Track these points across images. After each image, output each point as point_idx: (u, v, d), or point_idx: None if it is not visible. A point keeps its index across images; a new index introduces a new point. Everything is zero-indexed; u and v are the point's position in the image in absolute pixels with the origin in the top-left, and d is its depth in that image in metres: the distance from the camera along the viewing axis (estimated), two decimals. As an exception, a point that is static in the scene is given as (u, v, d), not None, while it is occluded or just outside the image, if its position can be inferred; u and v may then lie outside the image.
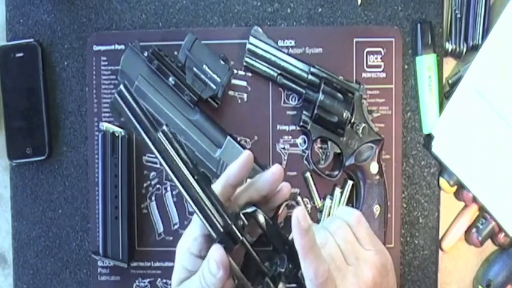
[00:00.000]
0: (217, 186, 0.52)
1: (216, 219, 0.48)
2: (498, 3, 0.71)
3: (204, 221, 0.48)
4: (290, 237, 0.49)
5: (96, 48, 0.72)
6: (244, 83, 0.71)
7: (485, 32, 0.70)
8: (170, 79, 0.67)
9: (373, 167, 0.68)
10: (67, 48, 0.73)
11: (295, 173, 0.71)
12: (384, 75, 0.71)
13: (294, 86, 0.69)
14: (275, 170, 0.52)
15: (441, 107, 0.71)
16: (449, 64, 0.73)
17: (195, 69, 0.66)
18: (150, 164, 0.72)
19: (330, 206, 0.70)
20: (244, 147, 0.68)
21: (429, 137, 0.71)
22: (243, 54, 0.70)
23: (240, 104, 0.71)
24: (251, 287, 0.49)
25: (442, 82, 0.72)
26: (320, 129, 0.68)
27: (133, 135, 0.71)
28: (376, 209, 0.68)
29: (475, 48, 0.71)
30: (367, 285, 0.49)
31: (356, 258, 0.50)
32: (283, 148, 0.71)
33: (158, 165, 0.72)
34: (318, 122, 0.68)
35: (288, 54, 0.69)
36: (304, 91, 0.69)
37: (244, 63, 0.70)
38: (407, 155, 0.72)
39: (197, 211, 0.48)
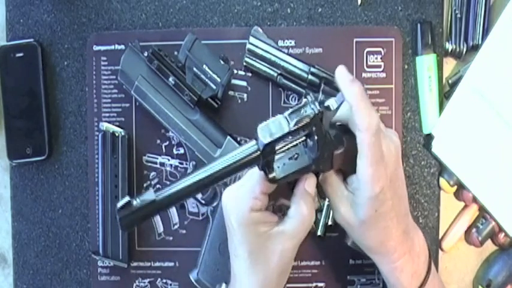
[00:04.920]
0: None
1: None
2: (498, 3, 0.71)
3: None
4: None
5: (96, 48, 0.72)
6: (244, 83, 0.71)
7: (485, 32, 0.70)
8: (170, 79, 0.67)
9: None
10: (67, 48, 0.73)
11: (295, 173, 0.71)
12: (383, 75, 0.71)
13: (294, 86, 0.69)
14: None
15: (441, 107, 0.71)
16: (449, 64, 0.73)
17: (195, 69, 0.66)
18: (150, 164, 0.72)
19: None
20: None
21: (429, 137, 0.71)
22: (243, 54, 0.70)
23: (240, 104, 0.71)
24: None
25: (442, 82, 0.72)
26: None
27: (133, 135, 0.71)
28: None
29: (475, 48, 0.71)
30: (398, 148, 0.54)
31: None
32: (283, 148, 0.71)
33: (158, 165, 0.72)
34: (318, 122, 0.68)
35: (288, 54, 0.69)
36: (304, 91, 0.69)
37: (244, 63, 0.70)
38: (407, 155, 0.72)
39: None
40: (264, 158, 0.48)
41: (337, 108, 0.52)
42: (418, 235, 0.57)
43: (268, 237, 0.52)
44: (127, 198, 0.47)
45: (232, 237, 0.53)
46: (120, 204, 0.47)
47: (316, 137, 0.49)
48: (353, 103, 0.50)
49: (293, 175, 0.52)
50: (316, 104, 0.48)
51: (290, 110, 0.48)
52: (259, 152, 0.48)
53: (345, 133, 0.52)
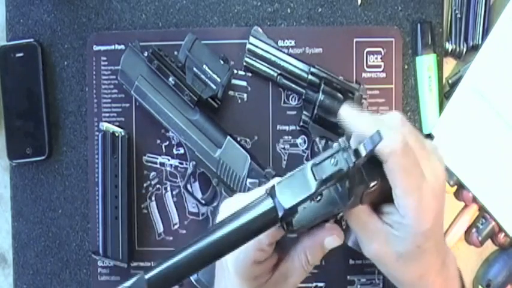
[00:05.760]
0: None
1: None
2: (498, 3, 0.71)
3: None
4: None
5: (96, 48, 0.72)
6: (244, 83, 0.71)
7: (485, 32, 0.70)
8: (170, 79, 0.67)
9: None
10: (67, 48, 0.73)
11: (295, 173, 0.71)
12: (383, 75, 0.71)
13: (294, 86, 0.69)
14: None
15: (441, 107, 0.71)
16: (449, 64, 0.73)
17: (195, 69, 0.66)
18: (150, 164, 0.72)
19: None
20: (244, 147, 0.68)
21: (429, 137, 0.71)
22: (243, 54, 0.70)
23: (240, 104, 0.71)
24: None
25: (442, 82, 0.72)
26: (320, 129, 0.68)
27: (133, 135, 0.71)
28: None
29: (475, 48, 0.71)
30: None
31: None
32: (283, 148, 0.71)
33: (158, 165, 0.72)
34: (318, 122, 0.68)
35: (288, 54, 0.69)
36: (304, 91, 0.69)
37: (244, 63, 0.70)
38: (407, 155, 0.72)
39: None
40: (283, 222, 0.40)
41: (368, 154, 0.39)
42: (450, 258, 0.50)
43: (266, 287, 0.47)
44: None
45: (225, 276, 0.47)
46: None
47: (347, 185, 0.41)
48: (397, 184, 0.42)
49: (315, 221, 0.43)
50: (351, 153, 0.38)
51: (317, 160, 0.39)
52: (278, 218, 0.39)
53: (374, 163, 0.42)
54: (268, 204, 0.39)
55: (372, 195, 0.43)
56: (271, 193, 0.39)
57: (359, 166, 0.40)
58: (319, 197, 0.42)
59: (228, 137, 0.67)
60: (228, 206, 0.46)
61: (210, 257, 0.39)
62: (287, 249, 0.48)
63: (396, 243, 0.44)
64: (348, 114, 0.45)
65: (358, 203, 0.43)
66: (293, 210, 0.39)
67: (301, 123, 0.69)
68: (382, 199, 0.44)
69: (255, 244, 0.43)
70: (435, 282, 0.47)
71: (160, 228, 0.72)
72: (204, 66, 0.66)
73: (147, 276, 0.37)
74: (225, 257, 0.43)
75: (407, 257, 0.45)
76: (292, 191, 0.38)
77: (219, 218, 0.47)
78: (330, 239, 0.45)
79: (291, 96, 0.71)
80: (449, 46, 0.71)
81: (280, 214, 0.38)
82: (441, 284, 0.48)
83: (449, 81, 0.72)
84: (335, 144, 0.39)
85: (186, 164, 0.71)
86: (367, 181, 0.42)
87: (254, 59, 0.69)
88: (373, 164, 0.42)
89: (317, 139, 0.69)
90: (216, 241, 0.38)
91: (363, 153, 0.38)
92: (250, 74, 0.71)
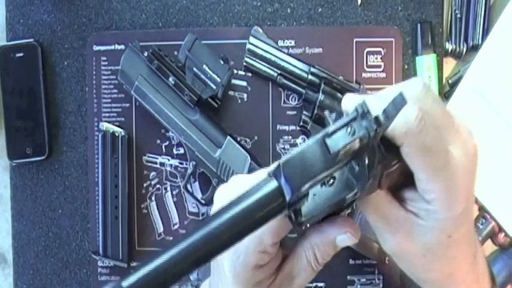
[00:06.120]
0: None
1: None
2: (498, 3, 0.71)
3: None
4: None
5: (96, 48, 0.72)
6: (244, 83, 0.71)
7: (485, 32, 0.70)
8: (170, 79, 0.67)
9: (373, 167, 0.68)
10: (67, 48, 0.73)
11: (295, 173, 0.71)
12: (384, 75, 0.71)
13: (294, 86, 0.69)
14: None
15: (441, 107, 0.71)
16: (449, 64, 0.73)
17: (195, 69, 0.66)
18: (150, 164, 0.72)
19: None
20: (244, 147, 0.68)
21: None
22: (243, 54, 0.70)
23: (240, 104, 0.71)
24: None
25: (442, 82, 0.72)
26: (320, 129, 0.68)
27: (133, 135, 0.71)
28: (376, 209, 0.68)
29: (475, 48, 0.71)
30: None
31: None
32: (283, 148, 0.71)
33: (158, 165, 0.72)
34: (318, 122, 0.68)
35: (288, 54, 0.69)
36: (304, 91, 0.69)
37: (244, 63, 0.70)
38: (407, 155, 0.72)
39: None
40: (291, 208, 0.33)
41: (390, 121, 0.31)
42: (479, 251, 0.42)
43: None
44: None
45: (222, 279, 0.40)
46: None
47: (366, 161, 0.33)
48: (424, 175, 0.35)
49: (328, 210, 0.36)
50: (371, 119, 0.31)
51: (330, 129, 0.31)
52: (285, 203, 0.31)
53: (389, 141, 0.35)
54: (272, 186, 0.31)
55: (392, 176, 0.36)
56: (276, 173, 0.31)
57: (379, 138, 0.33)
58: (331, 180, 0.35)
59: (228, 137, 0.67)
60: (224, 193, 0.40)
61: (202, 257, 0.31)
62: (292, 247, 0.41)
63: (423, 234, 0.37)
64: (353, 98, 0.37)
65: (376, 187, 0.36)
66: (303, 192, 0.32)
67: (301, 123, 0.69)
68: (403, 182, 0.37)
69: (256, 245, 0.37)
70: (466, 279, 0.41)
71: (160, 228, 0.72)
72: (204, 66, 0.66)
73: (125, 285, 0.30)
74: (222, 260, 0.39)
75: (435, 251, 0.38)
76: (301, 169, 0.31)
77: (214, 208, 0.40)
78: (344, 237, 0.39)
79: (291, 96, 0.71)
80: (449, 46, 0.71)
81: (288, 198, 0.31)
82: (472, 282, 0.41)
83: (449, 81, 0.72)
84: (351, 110, 0.31)
85: (186, 164, 0.71)
86: (388, 160, 0.35)
87: (254, 59, 0.69)
88: (391, 145, 0.35)
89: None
90: (209, 237, 0.31)
91: (385, 121, 0.31)
92: (250, 74, 0.71)
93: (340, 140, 0.31)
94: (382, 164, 0.34)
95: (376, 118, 0.31)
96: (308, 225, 0.36)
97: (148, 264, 0.30)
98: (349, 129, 0.31)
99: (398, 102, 0.30)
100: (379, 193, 0.37)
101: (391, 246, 0.39)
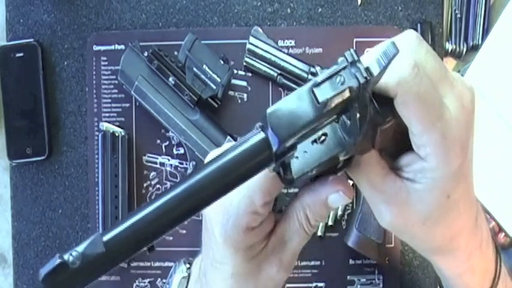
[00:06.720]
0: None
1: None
2: (498, 3, 0.71)
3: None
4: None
5: (96, 48, 0.72)
6: (244, 83, 0.71)
7: (485, 32, 0.70)
8: (170, 79, 0.67)
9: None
10: (67, 48, 0.73)
11: (295, 173, 0.71)
12: (384, 75, 0.71)
13: (294, 86, 0.69)
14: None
15: (441, 107, 0.71)
16: (449, 64, 0.73)
17: (195, 69, 0.66)
18: (150, 164, 0.72)
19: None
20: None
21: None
22: (243, 54, 0.70)
23: (240, 104, 0.71)
24: None
25: (442, 82, 0.71)
26: (320, 129, 0.68)
27: (133, 135, 0.71)
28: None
29: (475, 48, 0.71)
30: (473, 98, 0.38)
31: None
32: (283, 148, 0.71)
33: (158, 165, 0.72)
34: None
35: (288, 54, 0.69)
36: (304, 91, 0.69)
37: (244, 63, 0.70)
38: (407, 155, 0.72)
39: None
40: (278, 161, 0.32)
41: (383, 71, 0.30)
42: (481, 216, 0.41)
43: (260, 262, 0.40)
44: (57, 260, 0.32)
45: (213, 247, 0.40)
46: (47, 269, 0.32)
47: (357, 115, 0.31)
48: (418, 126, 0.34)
49: (318, 169, 0.35)
50: (361, 67, 0.30)
51: (318, 78, 0.30)
52: (272, 154, 0.31)
53: (384, 100, 0.34)
54: (259, 137, 0.30)
55: (386, 134, 0.35)
56: (263, 125, 0.30)
57: (371, 91, 0.32)
58: (323, 137, 0.34)
59: (228, 137, 0.67)
60: (215, 154, 0.37)
61: (186, 211, 0.30)
62: (285, 210, 0.40)
63: (420, 200, 0.36)
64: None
65: (370, 146, 0.35)
66: (290, 143, 0.31)
67: (301, 123, 0.69)
68: (398, 149, 0.36)
69: (247, 205, 0.36)
70: (468, 244, 0.39)
71: (160, 228, 0.72)
72: (204, 66, 0.66)
73: (105, 238, 0.30)
74: (212, 225, 0.38)
75: (435, 216, 0.37)
76: (288, 119, 0.30)
77: None
78: (336, 196, 0.37)
79: (291, 96, 0.71)
80: (449, 46, 0.71)
81: (274, 148, 0.30)
82: (475, 247, 0.40)
83: (449, 81, 0.72)
84: (340, 59, 0.30)
85: (186, 164, 0.71)
86: (382, 116, 0.34)
87: (254, 59, 0.69)
88: (384, 101, 0.34)
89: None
90: (193, 190, 0.30)
91: (376, 70, 0.30)
92: (250, 74, 0.71)
93: (328, 90, 0.30)
94: (376, 121, 0.34)
95: (367, 68, 0.30)
96: (300, 185, 0.35)
97: (130, 218, 0.30)
98: (338, 79, 0.30)
99: (390, 52, 0.29)
100: (373, 165, 0.36)
101: (390, 219, 0.37)
